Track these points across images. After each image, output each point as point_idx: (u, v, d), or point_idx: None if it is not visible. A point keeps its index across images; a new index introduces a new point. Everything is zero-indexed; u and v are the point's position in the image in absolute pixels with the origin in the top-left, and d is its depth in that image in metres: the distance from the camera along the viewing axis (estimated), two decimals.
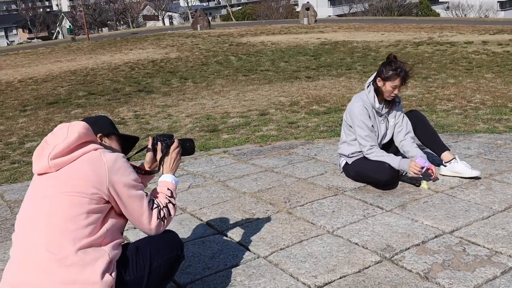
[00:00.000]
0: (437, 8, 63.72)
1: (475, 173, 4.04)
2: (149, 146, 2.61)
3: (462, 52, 14.13)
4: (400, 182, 4.10)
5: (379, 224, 3.37)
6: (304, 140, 5.80)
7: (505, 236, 3.11)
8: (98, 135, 2.45)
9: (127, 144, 2.63)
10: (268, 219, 3.58)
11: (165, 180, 2.52)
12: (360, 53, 15.51)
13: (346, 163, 4.26)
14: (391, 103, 4.18)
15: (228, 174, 4.69)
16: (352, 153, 4.19)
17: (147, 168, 2.65)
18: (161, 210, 2.37)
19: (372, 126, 4.09)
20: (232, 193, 4.17)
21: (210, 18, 40.82)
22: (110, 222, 2.26)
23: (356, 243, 3.14)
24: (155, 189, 2.50)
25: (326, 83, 10.60)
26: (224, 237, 3.38)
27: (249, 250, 3.15)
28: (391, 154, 4.05)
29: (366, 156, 4.07)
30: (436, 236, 3.16)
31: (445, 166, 4.15)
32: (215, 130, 6.71)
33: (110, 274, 2.15)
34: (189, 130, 6.86)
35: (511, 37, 17.15)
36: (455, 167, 4.09)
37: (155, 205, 2.36)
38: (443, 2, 68.63)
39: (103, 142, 2.47)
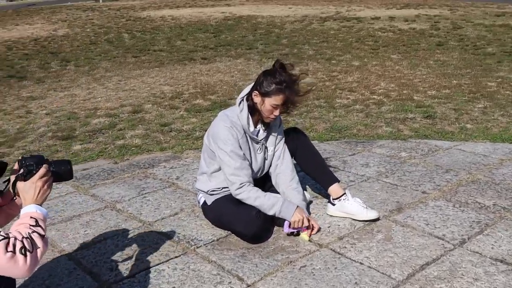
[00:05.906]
0: None
1: (371, 214, 3.04)
2: (15, 167, 2.02)
3: (368, 30, 13.38)
4: (275, 229, 3.06)
5: None
6: (171, 153, 4.65)
7: None
8: None
9: None
10: None
11: (27, 211, 1.90)
12: (263, 29, 14.43)
13: (205, 202, 3.15)
14: (270, 125, 3.10)
15: (54, 213, 3.48)
16: (213, 190, 3.09)
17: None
18: (17, 241, 1.74)
19: (244, 155, 3.00)
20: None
21: None
22: None
23: None
24: (15, 222, 1.87)
25: (221, 67, 9.46)
26: None
27: None
28: (269, 194, 2.96)
29: (235, 196, 2.98)
30: None
31: (333, 204, 3.13)
32: (69, 137, 5.40)
33: None
34: (38, 137, 5.51)
35: (417, 13, 16.67)
36: (346, 206, 3.07)
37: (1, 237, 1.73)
38: None
39: None
